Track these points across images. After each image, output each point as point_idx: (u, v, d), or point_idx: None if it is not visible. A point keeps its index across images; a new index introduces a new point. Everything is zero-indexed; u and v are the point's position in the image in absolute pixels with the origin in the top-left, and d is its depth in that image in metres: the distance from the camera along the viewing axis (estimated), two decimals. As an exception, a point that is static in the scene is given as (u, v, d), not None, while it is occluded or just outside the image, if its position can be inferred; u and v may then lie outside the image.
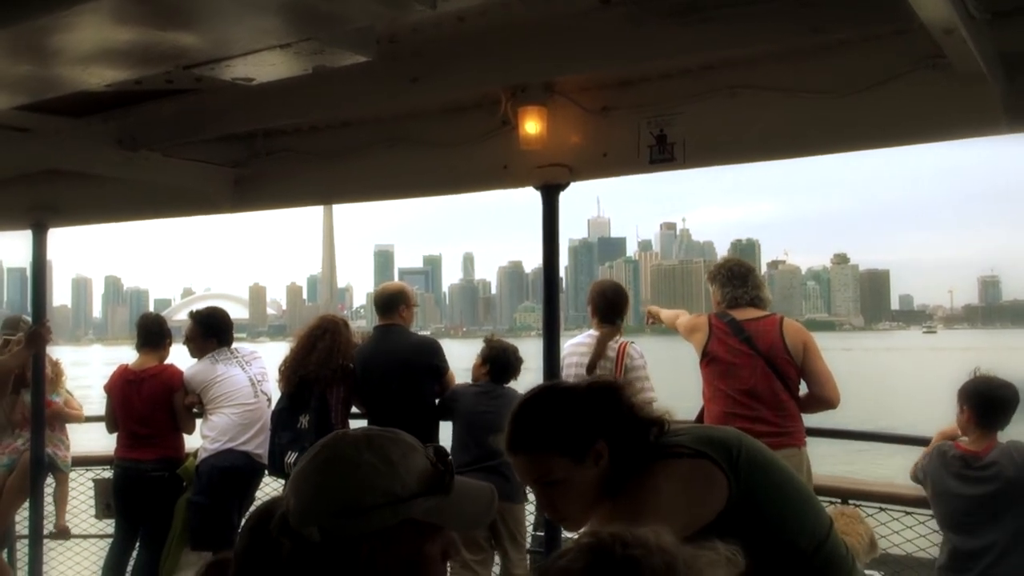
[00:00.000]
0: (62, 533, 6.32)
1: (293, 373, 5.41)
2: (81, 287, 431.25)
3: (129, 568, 5.78)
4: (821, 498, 4.66)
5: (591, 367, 5.09)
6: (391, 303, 5.54)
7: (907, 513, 4.68)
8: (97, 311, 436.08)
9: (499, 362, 5.37)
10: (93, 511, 6.28)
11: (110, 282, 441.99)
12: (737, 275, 4.88)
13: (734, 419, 4.48)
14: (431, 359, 5.43)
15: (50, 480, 6.01)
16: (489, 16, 3.13)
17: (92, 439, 6.79)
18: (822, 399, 4.68)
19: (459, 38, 3.27)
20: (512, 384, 5.36)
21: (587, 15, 3.12)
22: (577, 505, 2.27)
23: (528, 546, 5.32)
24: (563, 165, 3.84)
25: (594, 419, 2.25)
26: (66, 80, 2.71)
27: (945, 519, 4.14)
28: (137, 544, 5.81)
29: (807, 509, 2.31)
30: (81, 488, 6.39)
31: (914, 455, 4.43)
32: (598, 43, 3.17)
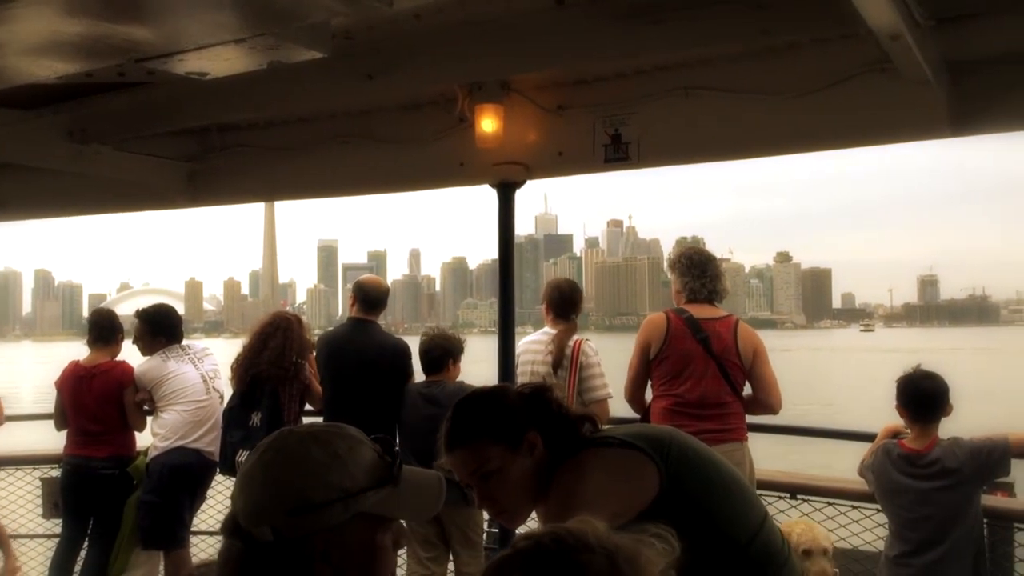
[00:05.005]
0: None
1: (245, 371, 5.33)
2: (9, 281, 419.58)
3: (77, 568, 5.67)
4: (770, 493, 4.80)
5: (556, 366, 5.07)
6: (381, 301, 5.49)
7: (854, 507, 4.77)
8: (27, 306, 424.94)
9: (424, 356, 5.25)
10: (40, 511, 6.13)
11: (40, 276, 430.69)
12: (696, 264, 4.86)
13: (679, 416, 4.54)
14: (400, 361, 5.34)
15: None
16: (445, 14, 3.15)
17: (38, 437, 6.63)
18: (765, 404, 4.79)
19: (415, 35, 3.28)
20: (460, 376, 5.31)
21: (543, 14, 3.16)
22: (515, 496, 2.32)
23: (485, 543, 5.30)
24: (519, 163, 3.86)
25: (524, 411, 2.35)
26: (14, 72, 2.64)
27: (893, 514, 4.21)
28: (85, 544, 5.71)
29: (741, 501, 2.37)
30: (28, 488, 6.24)
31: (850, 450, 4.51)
32: (554, 42, 3.21)
